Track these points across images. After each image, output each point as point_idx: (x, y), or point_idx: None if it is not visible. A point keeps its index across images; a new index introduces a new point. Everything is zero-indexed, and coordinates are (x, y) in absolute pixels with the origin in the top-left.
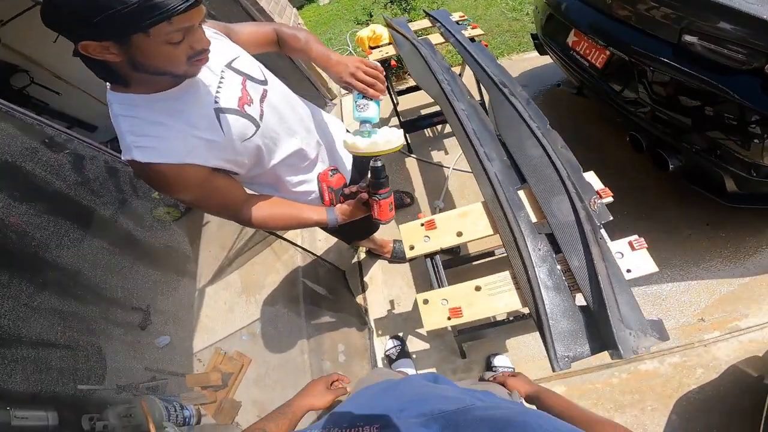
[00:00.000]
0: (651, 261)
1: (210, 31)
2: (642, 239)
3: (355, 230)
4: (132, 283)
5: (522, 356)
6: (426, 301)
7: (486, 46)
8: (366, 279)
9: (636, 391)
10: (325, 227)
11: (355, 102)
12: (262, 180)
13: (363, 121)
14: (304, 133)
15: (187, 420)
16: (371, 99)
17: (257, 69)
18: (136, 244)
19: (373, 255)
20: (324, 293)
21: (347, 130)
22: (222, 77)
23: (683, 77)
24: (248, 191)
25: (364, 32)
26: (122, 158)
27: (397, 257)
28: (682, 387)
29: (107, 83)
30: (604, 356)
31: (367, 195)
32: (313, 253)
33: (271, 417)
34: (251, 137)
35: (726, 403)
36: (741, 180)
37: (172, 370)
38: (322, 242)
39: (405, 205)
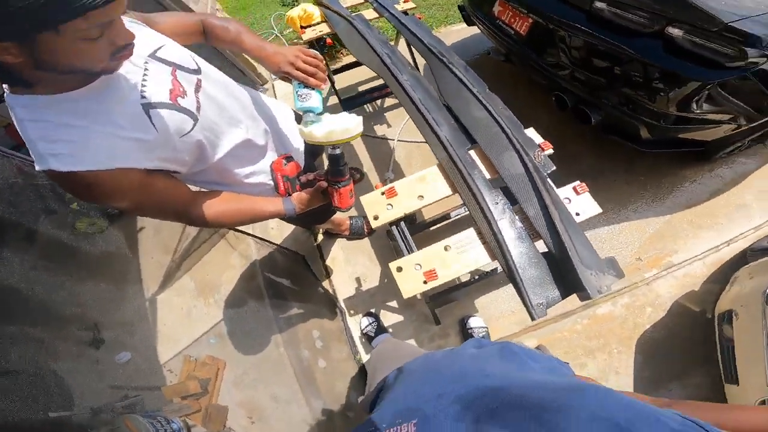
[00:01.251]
0: (595, 203)
1: (126, 19)
2: (584, 184)
3: (313, 216)
4: (70, 303)
5: (493, 314)
6: (400, 269)
7: (421, 18)
8: (328, 261)
9: (600, 335)
10: (283, 217)
11: (296, 92)
12: (209, 176)
13: (306, 111)
14: (250, 122)
15: None
16: (312, 88)
17: (188, 57)
18: (64, 262)
19: (332, 235)
20: (287, 282)
21: (298, 116)
22: (146, 69)
23: (596, 41)
24: (195, 189)
25: (295, 11)
26: (37, 169)
27: (356, 233)
28: (638, 327)
29: (3, 85)
30: (565, 305)
31: (325, 183)
32: (269, 242)
33: None
34: (190, 132)
35: (679, 339)
36: (652, 128)
37: (143, 384)
38: (276, 230)
39: (355, 180)
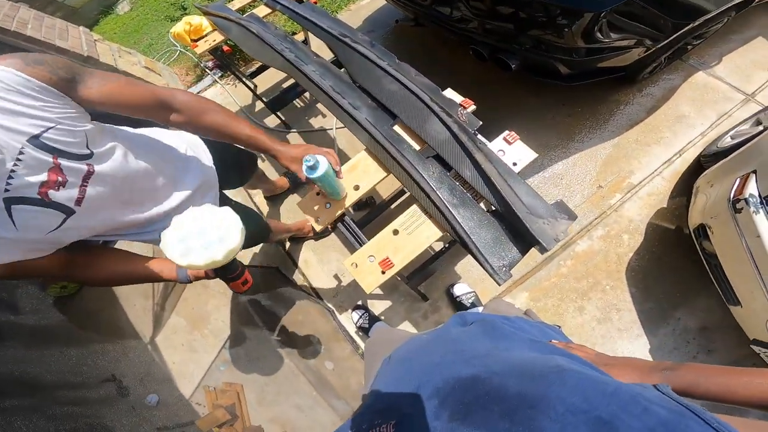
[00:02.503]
0: (529, 149)
1: (21, 80)
2: (513, 132)
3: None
4: (81, 364)
5: (476, 277)
6: (355, 265)
7: (315, 2)
8: (301, 265)
9: (587, 274)
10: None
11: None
12: (99, 237)
13: (319, 181)
14: (163, 188)
15: None
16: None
17: (80, 139)
18: (57, 330)
19: (298, 239)
20: (269, 296)
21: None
22: (20, 156)
23: None
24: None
25: (179, 27)
26: None
27: (321, 233)
28: (621, 258)
29: None
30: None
31: (213, 275)
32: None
33: None
34: (59, 227)
35: (666, 262)
36: (568, 63)
37: (180, 422)
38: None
39: (298, 184)
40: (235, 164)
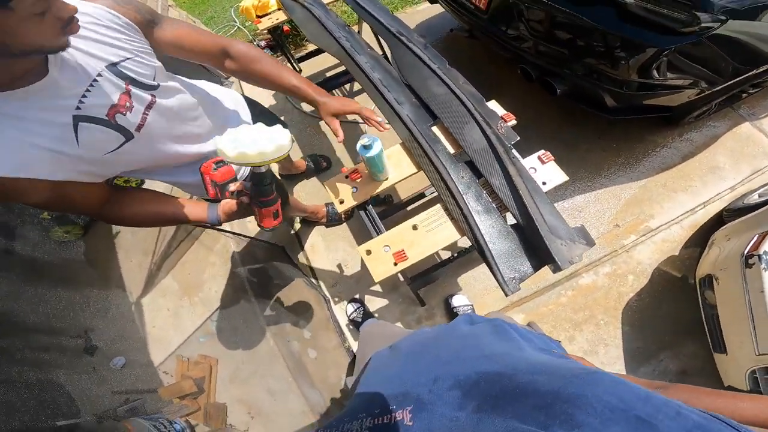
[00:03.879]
0: (561, 172)
1: (110, 16)
2: (549, 153)
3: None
4: (57, 312)
5: (477, 291)
6: (369, 252)
7: None
8: (307, 248)
9: (585, 307)
10: (207, 225)
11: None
12: (139, 173)
13: (370, 161)
14: (207, 127)
15: None
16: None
17: (150, 72)
18: (45, 271)
19: (309, 223)
20: (269, 274)
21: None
22: (96, 79)
23: (554, 11)
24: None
25: (249, 1)
26: None
27: (333, 220)
28: (622, 297)
29: None
30: (548, 276)
31: (247, 199)
32: (245, 236)
33: None
34: (117, 149)
35: (665, 307)
36: (616, 96)
37: (141, 388)
38: (253, 223)
39: (322, 168)
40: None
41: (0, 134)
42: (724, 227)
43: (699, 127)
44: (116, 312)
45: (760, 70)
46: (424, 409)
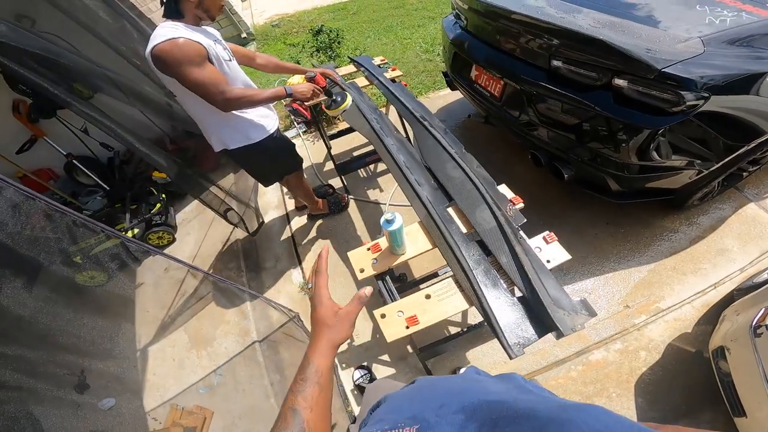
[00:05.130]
0: (564, 251)
1: (214, 34)
2: (552, 233)
3: (277, 167)
4: (59, 346)
5: (485, 365)
6: (383, 315)
7: (405, 85)
8: None
9: (596, 380)
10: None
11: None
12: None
13: (391, 235)
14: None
15: None
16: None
17: (228, 50)
18: (59, 310)
19: (314, 217)
20: (280, 336)
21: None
22: (213, 34)
23: (557, 96)
24: None
25: (295, 79)
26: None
27: (336, 208)
28: (634, 371)
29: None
30: (557, 352)
31: (320, 91)
32: (263, 298)
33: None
34: (228, 61)
35: (679, 379)
36: (619, 179)
37: (124, 431)
38: (271, 289)
39: (328, 194)
40: (285, 151)
41: (198, 33)
42: (733, 303)
43: (705, 210)
44: (119, 356)
45: (752, 145)
46: (429, 428)
